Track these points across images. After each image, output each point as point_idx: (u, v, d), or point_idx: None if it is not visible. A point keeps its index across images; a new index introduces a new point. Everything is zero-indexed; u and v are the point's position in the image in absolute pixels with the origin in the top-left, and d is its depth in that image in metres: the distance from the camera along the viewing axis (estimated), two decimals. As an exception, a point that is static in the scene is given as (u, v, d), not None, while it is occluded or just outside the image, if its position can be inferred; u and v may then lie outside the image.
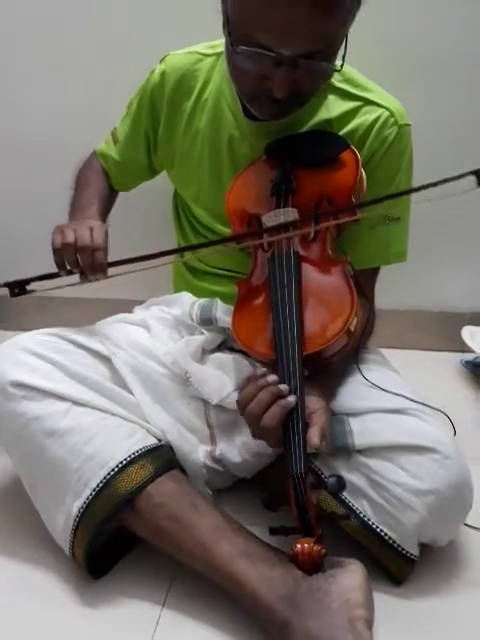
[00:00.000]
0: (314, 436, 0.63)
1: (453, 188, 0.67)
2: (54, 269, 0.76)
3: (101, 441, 0.71)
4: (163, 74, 0.88)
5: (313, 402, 0.68)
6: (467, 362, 1.23)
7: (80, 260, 0.75)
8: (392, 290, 1.18)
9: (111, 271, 0.75)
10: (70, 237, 0.74)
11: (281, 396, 0.65)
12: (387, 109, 0.81)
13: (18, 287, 0.74)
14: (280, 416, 0.64)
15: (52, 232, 0.77)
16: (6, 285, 0.74)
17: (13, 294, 0.74)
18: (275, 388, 0.65)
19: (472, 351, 1.18)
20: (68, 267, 0.76)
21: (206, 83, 0.87)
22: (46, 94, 1.23)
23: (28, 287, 0.74)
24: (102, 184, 0.97)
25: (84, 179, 0.96)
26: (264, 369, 0.68)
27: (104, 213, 0.92)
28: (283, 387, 0.65)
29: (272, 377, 0.66)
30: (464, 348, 1.22)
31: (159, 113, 0.90)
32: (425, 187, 0.69)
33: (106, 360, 0.80)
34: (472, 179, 0.67)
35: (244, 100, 0.79)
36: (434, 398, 0.78)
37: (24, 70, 1.22)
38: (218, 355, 0.85)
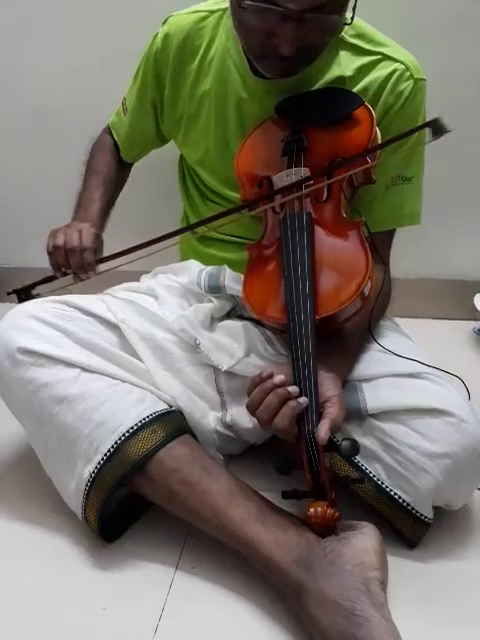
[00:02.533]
0: (322, 431, 0.62)
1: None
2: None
3: (111, 407, 0.71)
4: (166, 37, 0.85)
5: (328, 387, 0.66)
6: (480, 330, 1.21)
7: (70, 261, 0.80)
8: (403, 258, 1.16)
9: (123, 259, 0.80)
10: (60, 240, 0.80)
11: (290, 397, 0.63)
12: (402, 63, 0.79)
13: (24, 293, 0.84)
14: (291, 416, 0.63)
15: (47, 236, 0.83)
16: (14, 292, 0.85)
17: (20, 300, 0.84)
18: (283, 391, 0.63)
19: (485, 319, 1.17)
20: (62, 269, 0.82)
21: (211, 41, 0.84)
22: (48, 58, 1.20)
23: (33, 291, 0.85)
24: (109, 169, 0.97)
25: (93, 165, 0.96)
26: (270, 370, 0.66)
27: (108, 205, 0.94)
28: (292, 389, 0.64)
29: (279, 377, 0.64)
30: (476, 316, 1.21)
31: (164, 78, 0.87)
32: (388, 142, 0.73)
33: (114, 328, 0.80)
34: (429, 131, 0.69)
35: (251, 58, 0.77)
36: (447, 366, 0.77)
37: (25, 34, 1.19)
38: (227, 322, 0.84)
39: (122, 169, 1.00)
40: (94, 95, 1.10)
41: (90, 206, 0.90)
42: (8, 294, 0.85)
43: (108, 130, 1.00)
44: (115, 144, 0.99)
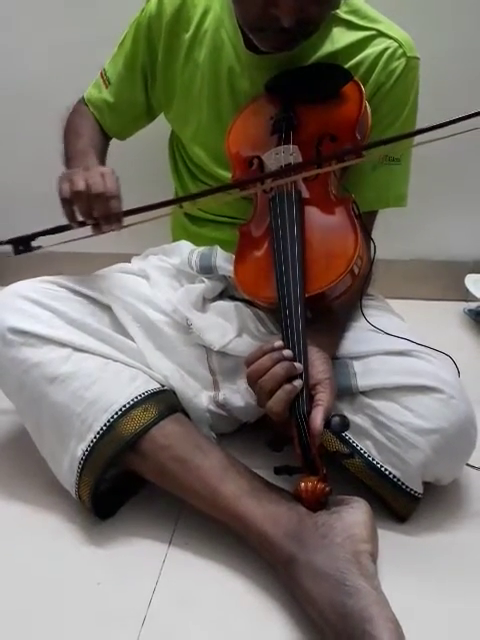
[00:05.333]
0: (317, 420, 0.62)
1: (459, 126, 0.65)
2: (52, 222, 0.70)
3: (104, 386, 0.71)
4: (160, 3, 0.83)
5: (320, 370, 0.66)
6: (470, 310, 1.22)
7: (94, 210, 0.69)
8: (395, 240, 1.17)
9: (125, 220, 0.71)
10: (81, 185, 0.68)
11: (294, 374, 0.63)
12: (395, 40, 0.78)
13: (22, 244, 0.68)
14: (286, 400, 0.63)
15: (58, 181, 0.71)
16: (9, 242, 0.69)
17: (17, 252, 0.69)
18: (289, 365, 0.63)
19: (476, 299, 1.17)
20: (80, 218, 0.70)
21: (205, 12, 0.83)
22: (33, 38, 1.18)
23: (34, 243, 0.69)
24: (94, 133, 0.91)
25: (74, 130, 0.90)
26: (280, 342, 0.66)
27: (102, 162, 0.87)
28: (298, 365, 0.64)
29: (288, 352, 0.64)
30: (467, 297, 1.21)
31: (156, 45, 0.85)
32: (432, 128, 0.66)
33: (106, 308, 0.80)
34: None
35: (248, 30, 0.75)
36: (438, 345, 0.78)
37: (10, 13, 1.17)
38: (219, 303, 0.84)
39: (105, 141, 0.94)
40: (80, 74, 1.08)
41: (87, 157, 0.81)
42: (1, 244, 0.71)
43: (83, 103, 0.94)
44: (95, 117, 0.93)
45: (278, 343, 0.65)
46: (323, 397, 0.64)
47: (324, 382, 0.65)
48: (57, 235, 0.70)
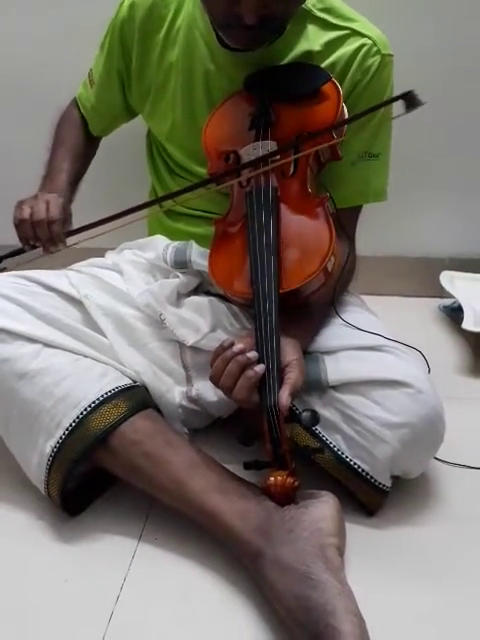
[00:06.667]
0: (283, 397, 0.63)
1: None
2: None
3: (73, 382, 0.70)
4: (132, 6, 0.84)
5: (288, 352, 0.67)
6: (445, 307, 1.23)
7: (37, 234, 0.78)
8: (371, 236, 1.17)
9: (92, 232, 0.77)
10: (25, 213, 0.79)
11: (249, 364, 0.64)
12: (370, 38, 0.79)
13: None
14: (248, 387, 0.64)
15: (14, 208, 0.81)
16: None
17: None
18: (243, 357, 0.64)
19: (451, 296, 1.18)
20: (30, 242, 0.80)
21: (177, 11, 0.83)
22: (13, 28, 1.16)
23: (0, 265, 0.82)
24: (77, 140, 0.95)
25: (60, 135, 0.95)
26: (230, 339, 0.67)
27: (76, 176, 0.92)
28: (251, 354, 0.64)
29: (238, 346, 0.65)
30: (442, 293, 1.22)
31: (130, 49, 0.86)
32: (358, 116, 0.73)
33: (77, 303, 0.79)
34: (401, 104, 0.68)
35: (216, 27, 0.76)
36: (411, 341, 0.79)
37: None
38: (194, 298, 0.84)
39: (90, 142, 0.98)
40: (61, 66, 1.07)
41: (57, 176, 0.89)
42: None
43: (74, 102, 0.98)
44: (82, 117, 0.96)
45: (227, 342, 0.66)
46: (291, 376, 0.65)
47: (292, 362, 0.66)
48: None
